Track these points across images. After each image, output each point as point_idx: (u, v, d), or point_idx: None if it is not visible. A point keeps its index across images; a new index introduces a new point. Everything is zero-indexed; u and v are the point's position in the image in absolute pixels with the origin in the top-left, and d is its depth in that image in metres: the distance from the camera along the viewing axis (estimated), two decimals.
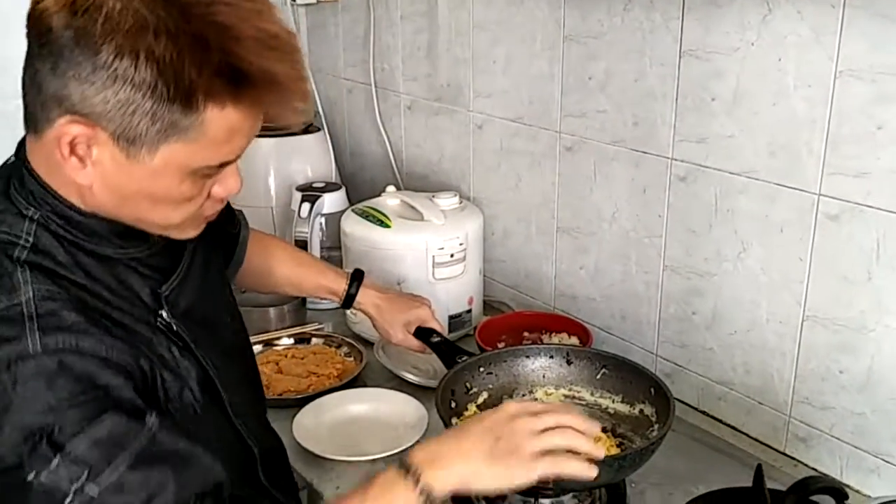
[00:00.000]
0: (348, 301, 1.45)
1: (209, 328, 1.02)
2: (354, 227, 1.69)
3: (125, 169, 0.84)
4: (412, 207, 1.69)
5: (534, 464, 0.91)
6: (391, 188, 1.79)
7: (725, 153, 1.32)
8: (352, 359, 1.62)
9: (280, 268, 1.43)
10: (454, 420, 1.22)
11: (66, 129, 0.81)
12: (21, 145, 0.92)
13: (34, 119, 0.85)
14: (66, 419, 0.78)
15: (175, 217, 0.91)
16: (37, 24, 0.81)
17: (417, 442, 1.33)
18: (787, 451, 1.33)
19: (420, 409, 1.40)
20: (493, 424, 0.95)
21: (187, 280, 1.00)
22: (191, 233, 0.96)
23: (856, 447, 1.24)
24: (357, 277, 1.45)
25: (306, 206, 1.84)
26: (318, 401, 1.44)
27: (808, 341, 1.27)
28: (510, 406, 0.97)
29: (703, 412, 1.46)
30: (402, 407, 1.43)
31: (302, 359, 1.60)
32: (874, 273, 1.16)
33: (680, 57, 1.35)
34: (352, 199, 1.96)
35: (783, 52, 1.20)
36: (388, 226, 1.65)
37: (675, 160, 1.40)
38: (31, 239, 0.86)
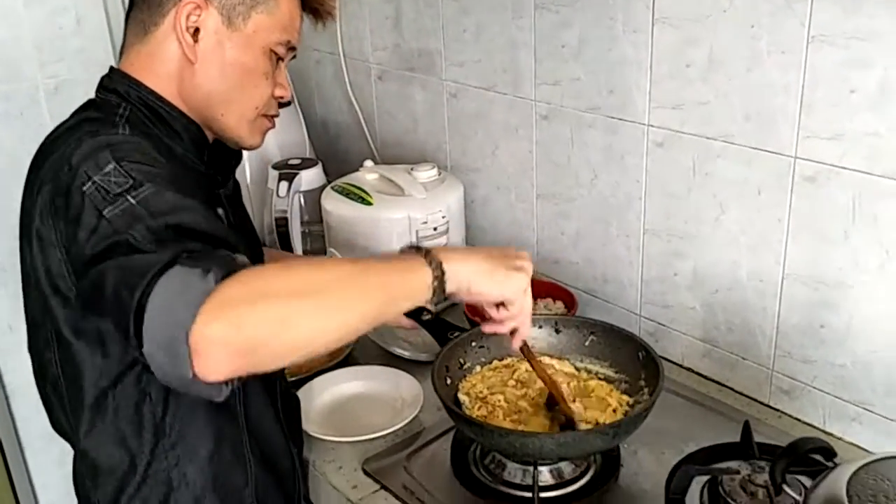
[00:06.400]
0: None
1: None
2: (335, 205, 1.69)
3: (225, 37, 1.05)
4: (392, 182, 1.70)
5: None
6: (369, 163, 1.79)
7: (702, 119, 1.34)
8: None
9: None
10: (453, 395, 1.25)
11: (184, 6, 1.03)
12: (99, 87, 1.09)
13: (142, 27, 1.06)
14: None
15: (255, 98, 1.10)
16: None
17: (415, 417, 1.36)
18: (772, 404, 1.38)
19: (415, 384, 1.43)
20: (496, 250, 1.06)
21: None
22: (256, 139, 1.14)
23: (837, 397, 1.29)
24: None
25: (284, 184, 1.84)
26: (312, 382, 1.46)
27: (788, 298, 1.31)
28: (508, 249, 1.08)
29: (689, 369, 1.51)
30: (397, 383, 1.46)
31: None
32: (850, 232, 1.20)
33: (653, 24, 1.36)
34: (328, 173, 1.96)
35: (756, 18, 1.22)
36: (369, 203, 1.66)
37: (652, 126, 1.42)
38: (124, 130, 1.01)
